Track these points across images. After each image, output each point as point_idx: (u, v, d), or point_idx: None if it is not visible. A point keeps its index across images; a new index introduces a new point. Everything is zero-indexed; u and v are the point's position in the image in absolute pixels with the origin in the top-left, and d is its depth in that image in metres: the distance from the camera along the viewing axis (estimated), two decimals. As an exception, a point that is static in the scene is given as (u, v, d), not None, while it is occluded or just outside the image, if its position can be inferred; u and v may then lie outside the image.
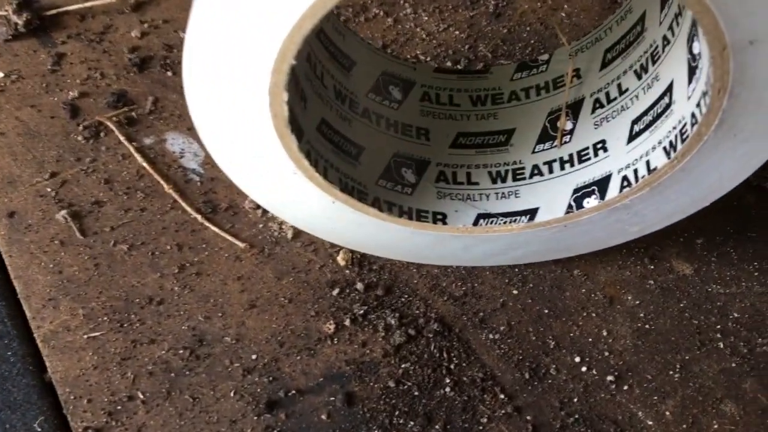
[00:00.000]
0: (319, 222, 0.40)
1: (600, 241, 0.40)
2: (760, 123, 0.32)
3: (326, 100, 0.40)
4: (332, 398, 0.39)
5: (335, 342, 0.41)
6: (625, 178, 0.37)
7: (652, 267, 0.44)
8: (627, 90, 0.39)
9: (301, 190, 0.37)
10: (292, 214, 0.40)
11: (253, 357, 0.41)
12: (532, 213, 0.39)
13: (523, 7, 0.54)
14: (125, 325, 0.42)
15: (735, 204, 0.45)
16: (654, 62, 0.38)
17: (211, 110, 0.33)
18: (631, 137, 0.38)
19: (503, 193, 0.41)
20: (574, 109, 0.42)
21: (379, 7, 0.54)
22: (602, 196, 0.38)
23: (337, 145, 0.40)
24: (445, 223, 0.40)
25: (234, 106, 0.32)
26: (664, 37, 0.37)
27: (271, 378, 0.40)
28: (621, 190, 0.37)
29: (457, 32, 0.53)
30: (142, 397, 0.39)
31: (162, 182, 0.46)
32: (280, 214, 0.41)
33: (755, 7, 0.27)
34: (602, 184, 0.38)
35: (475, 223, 0.40)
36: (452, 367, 0.40)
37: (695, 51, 0.34)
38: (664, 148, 0.35)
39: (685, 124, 0.34)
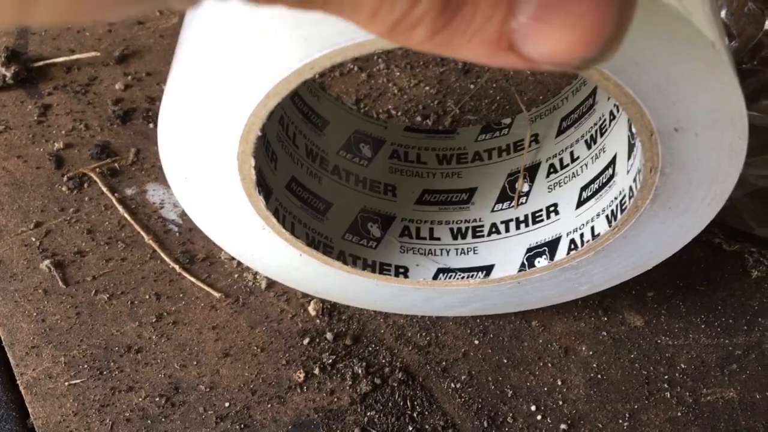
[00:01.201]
0: (288, 273, 0.43)
1: (552, 297, 0.43)
2: (692, 199, 0.34)
3: (297, 158, 0.43)
4: (301, 445, 0.42)
5: (305, 390, 0.43)
6: (572, 241, 0.40)
7: (605, 319, 0.46)
8: (578, 158, 0.42)
9: (270, 244, 0.39)
10: (263, 265, 0.43)
11: (226, 404, 0.43)
12: (488, 269, 0.42)
13: (490, 64, 0.57)
14: (104, 372, 0.44)
15: (684, 258, 0.48)
16: (602, 134, 0.41)
17: (184, 169, 0.36)
18: (580, 203, 0.41)
19: (462, 249, 0.44)
20: (531, 172, 0.44)
21: (354, 62, 0.57)
22: (551, 257, 0.40)
23: (305, 201, 0.42)
24: (406, 277, 0.42)
25: (205, 167, 0.35)
26: (611, 113, 0.40)
27: (242, 425, 0.42)
28: (568, 252, 0.39)
29: (427, 88, 0.56)
30: (119, 443, 0.41)
31: (142, 233, 0.49)
32: (252, 265, 0.44)
33: (676, 100, 0.30)
34: (552, 246, 0.41)
35: (435, 277, 0.42)
36: (415, 415, 0.43)
37: (633, 130, 0.36)
38: (607, 216, 0.38)
39: (624, 196, 0.37)
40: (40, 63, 0.56)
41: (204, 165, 0.35)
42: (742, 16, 0.53)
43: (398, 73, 0.57)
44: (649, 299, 0.47)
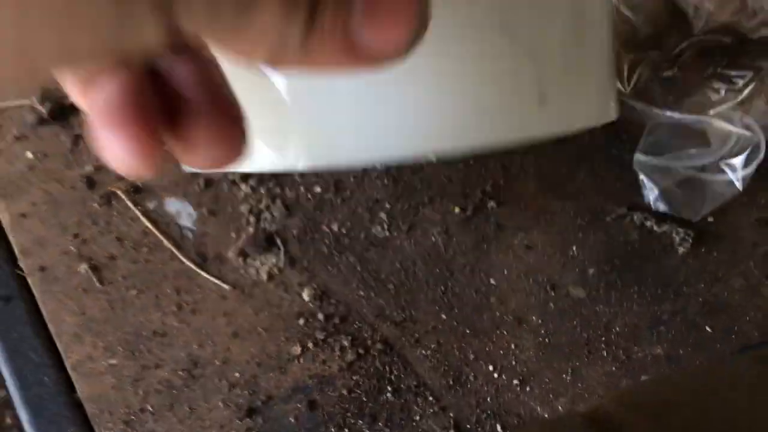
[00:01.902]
0: None
1: None
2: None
3: None
4: (299, 405, 0.51)
5: (301, 361, 0.52)
6: None
7: (552, 293, 0.55)
8: None
9: None
10: None
11: (237, 375, 0.52)
12: None
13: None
14: (136, 353, 0.53)
15: (621, 240, 0.57)
16: None
17: None
18: None
19: None
20: None
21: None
22: None
23: None
24: None
25: None
26: None
27: (251, 391, 0.51)
28: None
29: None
30: (150, 409, 0.51)
31: (162, 238, 0.58)
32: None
33: None
34: None
35: None
36: (392, 378, 0.52)
37: None
38: None
39: None
40: (71, 101, 0.65)
41: None
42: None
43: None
44: (589, 275, 0.56)
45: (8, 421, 1.03)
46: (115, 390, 0.51)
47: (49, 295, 0.56)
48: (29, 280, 0.56)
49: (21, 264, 0.57)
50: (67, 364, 0.53)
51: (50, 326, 0.54)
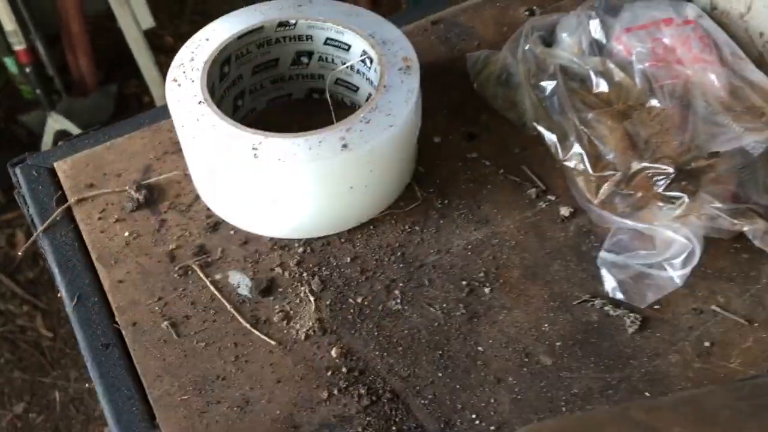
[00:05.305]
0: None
1: None
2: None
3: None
4: (324, 437, 0.66)
5: (327, 404, 0.68)
6: None
7: (526, 360, 0.70)
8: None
9: None
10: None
11: (278, 412, 0.68)
12: None
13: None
14: (203, 392, 0.69)
15: (583, 321, 0.72)
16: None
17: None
18: None
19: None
20: None
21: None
22: None
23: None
24: None
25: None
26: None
27: (287, 425, 0.67)
28: None
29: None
30: (212, 435, 0.66)
31: (226, 303, 0.75)
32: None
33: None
34: None
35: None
36: (397, 420, 0.67)
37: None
38: None
39: None
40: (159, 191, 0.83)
41: None
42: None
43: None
44: (556, 347, 0.71)
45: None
46: (186, 419, 0.67)
47: (138, 345, 0.72)
48: (123, 332, 0.73)
49: (117, 319, 0.74)
50: (150, 398, 0.69)
51: (138, 368, 0.71)
